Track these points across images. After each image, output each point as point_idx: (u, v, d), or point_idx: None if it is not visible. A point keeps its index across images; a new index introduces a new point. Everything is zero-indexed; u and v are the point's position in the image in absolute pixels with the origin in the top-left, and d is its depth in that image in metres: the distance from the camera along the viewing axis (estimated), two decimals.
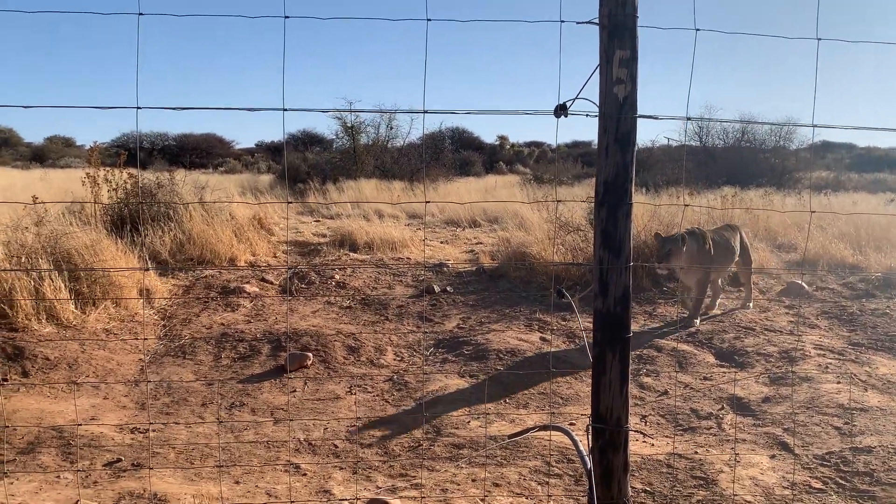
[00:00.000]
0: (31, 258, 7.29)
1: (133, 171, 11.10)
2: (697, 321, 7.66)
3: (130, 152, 12.54)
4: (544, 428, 3.40)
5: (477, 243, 13.43)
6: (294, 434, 5.03)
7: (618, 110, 2.42)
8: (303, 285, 9.24)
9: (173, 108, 2.09)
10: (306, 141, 41.54)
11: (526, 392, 5.84)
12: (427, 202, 2.27)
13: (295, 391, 5.91)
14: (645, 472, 4.35)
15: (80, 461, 4.54)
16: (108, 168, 11.02)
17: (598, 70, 2.47)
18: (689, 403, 5.58)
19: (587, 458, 2.52)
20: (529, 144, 56.05)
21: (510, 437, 4.02)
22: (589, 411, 5.35)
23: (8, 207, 9.79)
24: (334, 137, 30.02)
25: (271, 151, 48.23)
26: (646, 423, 5.25)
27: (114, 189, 10.47)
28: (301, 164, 27.68)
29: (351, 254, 11.58)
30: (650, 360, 6.58)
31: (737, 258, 8.22)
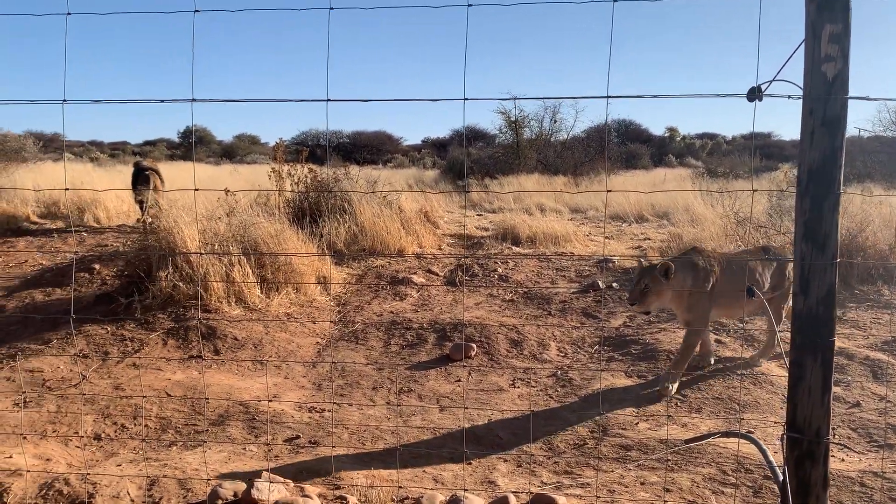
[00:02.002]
0: (223, 245, 7.93)
1: (313, 166, 11.79)
2: (673, 386, 5.53)
3: (310, 149, 13.31)
4: (727, 434, 3.18)
5: (644, 239, 12.96)
6: (459, 423, 5.09)
7: (826, 90, 2.19)
8: (466, 277, 9.36)
9: (362, 101, 2.16)
10: (469, 136, 42.18)
11: (699, 396, 5.54)
12: (608, 191, 2.17)
13: (459, 380, 5.99)
14: (834, 490, 3.97)
15: (263, 435, 4.87)
16: (290, 163, 11.78)
17: (801, 47, 2.25)
18: (885, 418, 5.03)
19: (778, 470, 2.32)
20: (701, 136, 53.37)
21: (687, 441, 3.81)
22: (770, 419, 4.98)
23: (203, 199, 10.73)
24: (497, 132, 30.22)
25: (437, 147, 49.44)
26: (834, 435, 4.80)
27: (296, 183, 11.17)
28: (465, 159, 28.13)
29: (513, 247, 11.58)
30: (840, 368, 6.00)
31: (765, 294, 5.79)
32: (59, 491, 3.76)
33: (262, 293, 7.61)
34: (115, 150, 47.38)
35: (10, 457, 4.30)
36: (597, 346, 6.80)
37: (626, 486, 4.02)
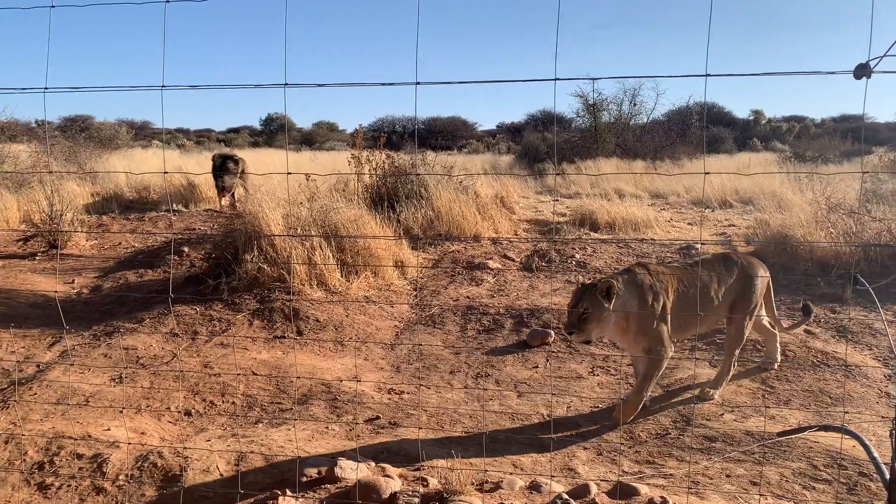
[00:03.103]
0: (305, 230, 8.12)
1: (390, 152, 11.91)
2: (626, 418, 4.79)
3: (388, 135, 13.45)
4: (824, 428, 3.05)
5: (728, 225, 12.54)
6: (537, 409, 5.07)
7: None
8: (543, 263, 9.27)
9: (448, 83, 2.15)
10: (545, 121, 41.73)
11: (788, 387, 5.33)
12: (707, 173, 2.07)
13: (537, 367, 5.95)
14: None
15: (345, 415, 4.98)
16: (369, 149, 11.93)
17: None
18: None
19: (885, 467, 2.20)
20: (788, 119, 51.10)
21: (780, 434, 3.67)
22: (866, 414, 4.75)
23: (285, 185, 10.99)
24: (575, 116, 29.76)
25: (511, 132, 49.12)
26: None
27: (374, 169, 11.31)
28: (540, 143, 27.84)
29: (591, 233, 11.41)
30: None
31: (721, 310, 5.12)
32: (153, 463, 3.94)
33: (342, 277, 7.76)
34: (201, 138, 49.10)
35: (108, 429, 4.54)
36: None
37: (711, 478, 3.92)
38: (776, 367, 5.63)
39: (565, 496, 3.35)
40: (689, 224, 12.90)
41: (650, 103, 30.59)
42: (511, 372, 5.86)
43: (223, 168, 13.27)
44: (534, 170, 21.93)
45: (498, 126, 56.23)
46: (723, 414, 4.88)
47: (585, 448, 4.39)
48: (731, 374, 5.27)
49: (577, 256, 9.46)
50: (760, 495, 3.65)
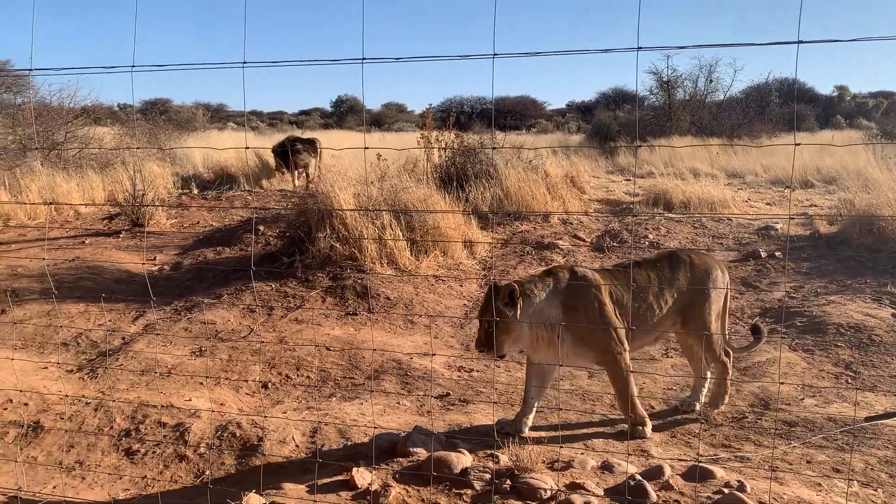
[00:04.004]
0: (376, 208, 8.21)
1: (459, 132, 11.89)
2: (646, 429, 4.18)
3: (456, 115, 13.43)
4: None
5: (810, 206, 12.05)
6: (608, 390, 5.01)
7: None
8: (614, 244, 9.13)
9: (526, 55, 2.12)
10: (617, 99, 40.84)
11: (873, 373, 5.11)
12: (797, 144, 1.96)
13: None
14: None
15: (416, 391, 5.04)
16: (438, 129, 11.94)
17: None
18: None
19: None
20: (875, 95, 48.48)
21: (868, 419, 3.52)
22: None
23: (357, 164, 11.12)
24: (647, 94, 29.00)
25: (581, 111, 48.30)
26: None
27: (443, 149, 11.31)
28: (612, 122, 27.28)
29: (665, 213, 11.15)
30: None
31: (668, 323, 4.35)
32: (232, 433, 4.09)
33: (411, 255, 7.82)
34: (274, 120, 50.12)
35: (190, 400, 4.73)
36: (757, 318, 6.42)
37: (791, 464, 3.80)
38: (697, 410, 4.50)
39: (638, 477, 3.31)
40: (767, 204, 12.46)
41: (727, 80, 29.55)
42: None
43: (295, 148, 13.66)
44: (605, 149, 21.50)
45: (567, 105, 55.38)
46: (803, 399, 4.72)
47: (659, 430, 4.32)
48: (728, 388, 4.49)
49: (651, 237, 9.27)
50: (847, 481, 3.52)
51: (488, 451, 3.73)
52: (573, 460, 3.61)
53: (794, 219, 10.20)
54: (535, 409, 4.18)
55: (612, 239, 9.25)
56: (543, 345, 4.01)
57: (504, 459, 3.58)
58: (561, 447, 3.77)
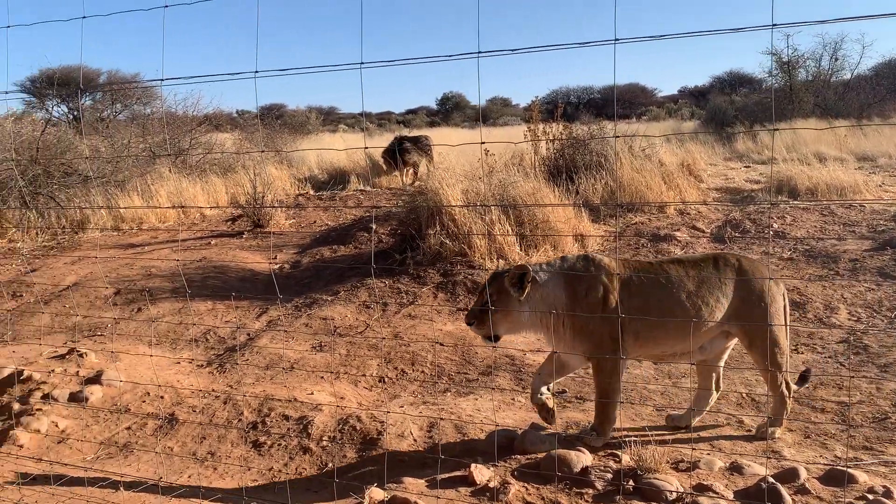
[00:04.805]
0: (484, 203, 8.20)
1: (567, 123, 11.71)
2: (600, 441, 3.73)
3: (563, 107, 13.22)
4: None
5: None
6: (735, 387, 4.78)
7: None
8: (736, 234, 8.70)
9: (651, 38, 2.03)
10: (733, 83, 39.00)
11: None
12: None
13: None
14: None
15: (529, 387, 4.99)
16: (545, 122, 11.80)
17: None
18: None
19: None
20: None
21: None
22: None
23: (464, 160, 11.17)
24: (766, 75, 27.47)
25: (694, 97, 46.48)
26: None
27: (550, 141, 11.17)
28: (728, 106, 26.05)
29: (790, 201, 10.53)
30: None
31: (711, 328, 3.81)
32: (353, 427, 4.18)
33: (521, 250, 7.76)
34: (382, 120, 51.21)
35: (312, 393, 4.89)
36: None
37: None
38: (684, 429, 4.05)
39: (771, 479, 3.13)
40: None
41: (854, 57, 27.50)
42: None
43: (403, 147, 13.98)
44: (721, 135, 20.55)
45: (680, 91, 53.40)
46: None
47: (791, 430, 4.08)
48: (788, 403, 3.96)
49: (776, 226, 8.78)
50: None
51: (609, 451, 3.64)
52: (699, 461, 3.46)
53: None
54: (540, 394, 3.90)
55: (733, 229, 8.83)
56: (545, 330, 3.81)
57: (626, 459, 3.48)
58: (693, 448, 3.63)
